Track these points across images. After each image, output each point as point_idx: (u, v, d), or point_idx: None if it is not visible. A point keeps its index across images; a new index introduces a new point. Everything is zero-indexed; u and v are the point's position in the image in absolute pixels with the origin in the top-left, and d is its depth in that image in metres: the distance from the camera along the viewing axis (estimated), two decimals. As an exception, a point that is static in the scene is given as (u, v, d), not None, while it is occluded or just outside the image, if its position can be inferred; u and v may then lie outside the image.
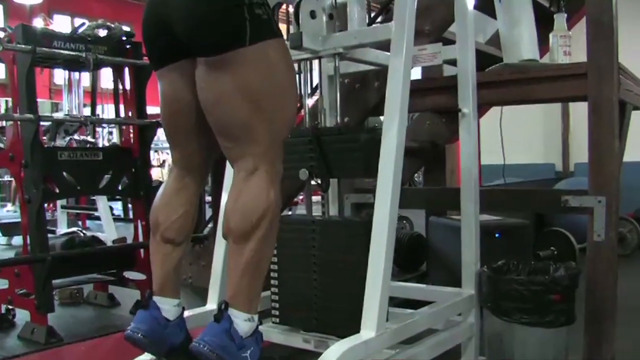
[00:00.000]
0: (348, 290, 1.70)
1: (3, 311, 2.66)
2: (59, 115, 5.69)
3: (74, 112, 4.87)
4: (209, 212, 3.56)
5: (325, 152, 1.81)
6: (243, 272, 1.37)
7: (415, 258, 3.86)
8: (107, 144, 5.81)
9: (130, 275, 2.98)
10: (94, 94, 4.56)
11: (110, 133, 6.41)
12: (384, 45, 1.80)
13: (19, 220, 2.79)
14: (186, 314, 1.62)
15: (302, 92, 2.17)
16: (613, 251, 2.08)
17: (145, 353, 1.57)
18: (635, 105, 2.42)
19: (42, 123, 2.64)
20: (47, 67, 3.14)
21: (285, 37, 1.52)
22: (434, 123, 2.95)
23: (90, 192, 3.65)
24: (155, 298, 1.52)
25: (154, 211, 1.57)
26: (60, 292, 3.07)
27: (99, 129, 5.87)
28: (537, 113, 6.50)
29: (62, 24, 9.52)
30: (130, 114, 2.97)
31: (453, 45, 2.10)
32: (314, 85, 2.60)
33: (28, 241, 2.58)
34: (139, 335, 1.45)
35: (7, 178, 7.02)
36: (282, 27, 2.07)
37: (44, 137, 4.55)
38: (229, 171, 1.78)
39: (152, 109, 2.87)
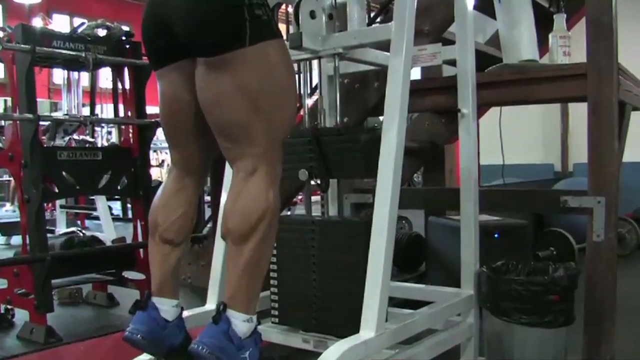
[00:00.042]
0: (347, 291, 1.69)
1: (2, 311, 2.66)
2: (58, 114, 5.70)
3: (73, 112, 4.87)
4: (208, 212, 3.56)
5: (325, 153, 1.80)
6: (242, 272, 1.37)
7: (415, 258, 3.86)
8: (106, 144, 5.82)
9: (129, 275, 2.99)
10: (93, 94, 4.57)
11: (109, 133, 6.42)
12: (384, 46, 1.80)
13: (18, 220, 2.79)
14: (185, 314, 1.61)
15: (302, 92, 2.17)
16: (612, 251, 2.08)
17: (145, 353, 1.57)
18: (635, 105, 2.42)
19: (41, 123, 2.64)
20: (46, 66, 3.15)
21: (285, 37, 1.52)
22: (434, 123, 2.96)
23: (89, 192, 3.64)
24: (154, 299, 1.51)
25: (153, 212, 1.57)
26: (60, 292, 3.07)
27: (98, 129, 5.87)
28: (537, 113, 6.50)
29: (61, 23, 9.53)
30: (129, 113, 2.98)
31: (453, 46, 2.10)
32: (313, 85, 2.61)
33: (27, 241, 2.59)
34: (138, 336, 1.45)
35: (6, 178, 7.01)
36: (282, 27, 2.07)
37: (43, 137, 4.54)
38: (228, 171, 1.77)
39: (152, 109, 2.87)
